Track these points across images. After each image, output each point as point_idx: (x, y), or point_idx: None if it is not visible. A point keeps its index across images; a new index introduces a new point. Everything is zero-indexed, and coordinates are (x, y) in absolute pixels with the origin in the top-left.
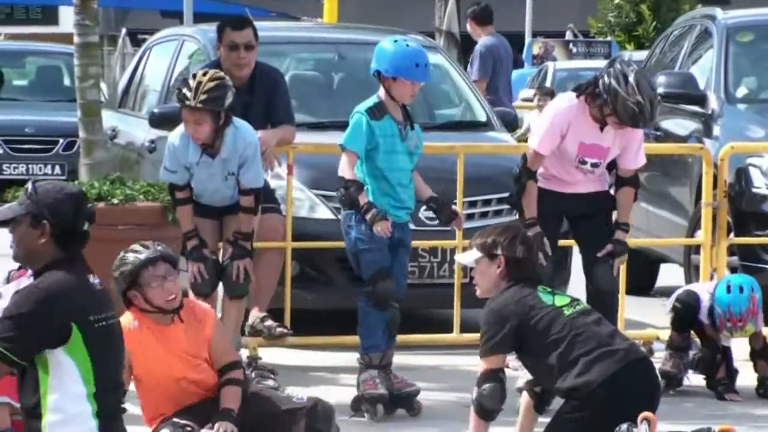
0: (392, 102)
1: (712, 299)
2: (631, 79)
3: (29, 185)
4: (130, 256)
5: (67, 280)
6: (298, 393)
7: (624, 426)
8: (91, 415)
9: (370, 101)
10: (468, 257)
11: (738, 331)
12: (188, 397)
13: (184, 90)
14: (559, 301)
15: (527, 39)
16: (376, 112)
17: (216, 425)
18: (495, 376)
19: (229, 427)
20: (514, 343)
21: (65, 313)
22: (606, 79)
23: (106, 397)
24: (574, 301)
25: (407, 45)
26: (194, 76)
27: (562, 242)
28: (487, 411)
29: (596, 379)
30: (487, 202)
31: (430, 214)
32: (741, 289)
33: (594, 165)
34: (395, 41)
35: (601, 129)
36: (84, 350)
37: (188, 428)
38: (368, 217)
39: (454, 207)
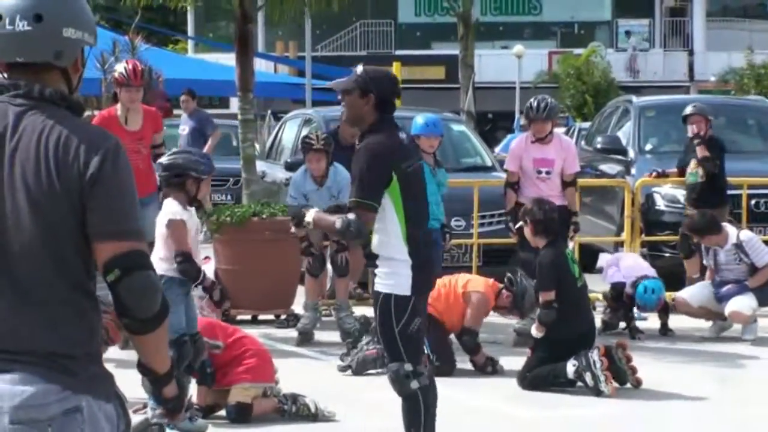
0: (423, 152)
1: (634, 293)
2: (532, 101)
3: (359, 68)
4: None
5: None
6: None
7: (582, 353)
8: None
9: None
10: (519, 224)
11: (648, 315)
12: None
13: (309, 140)
14: (575, 271)
15: (516, 114)
16: None
17: None
18: (550, 305)
19: None
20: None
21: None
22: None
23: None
24: (581, 275)
25: (424, 116)
26: (312, 134)
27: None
28: (547, 324)
29: (576, 328)
30: (492, 216)
31: (460, 222)
32: (653, 291)
33: (547, 173)
34: (421, 116)
35: (542, 143)
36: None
37: None
38: None
39: (447, 234)
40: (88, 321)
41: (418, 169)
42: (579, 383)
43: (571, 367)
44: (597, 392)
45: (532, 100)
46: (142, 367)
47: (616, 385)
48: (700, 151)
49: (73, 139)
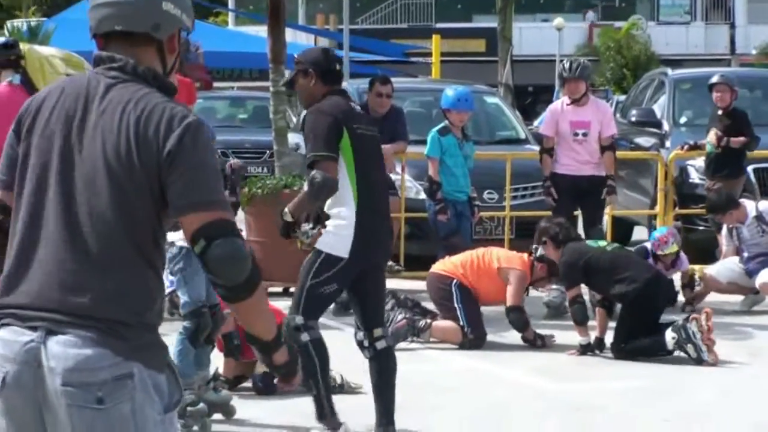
0: (452, 126)
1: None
2: (564, 62)
3: (296, 55)
4: None
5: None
6: None
7: (680, 325)
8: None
9: (441, 125)
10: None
11: (667, 247)
12: None
13: None
14: (601, 244)
15: (556, 87)
16: (443, 131)
17: None
18: (576, 300)
19: None
20: (582, 278)
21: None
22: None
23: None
24: (609, 244)
25: (455, 89)
26: None
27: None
28: (579, 322)
29: (637, 281)
30: (525, 188)
31: (493, 195)
32: (657, 228)
33: (584, 134)
34: (451, 88)
35: (578, 106)
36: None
37: None
38: (437, 208)
39: (475, 206)
40: (148, 291)
41: (371, 138)
42: (679, 352)
43: (670, 339)
44: (699, 361)
45: (564, 61)
46: (249, 336)
47: (718, 352)
48: (720, 126)
49: (153, 116)
